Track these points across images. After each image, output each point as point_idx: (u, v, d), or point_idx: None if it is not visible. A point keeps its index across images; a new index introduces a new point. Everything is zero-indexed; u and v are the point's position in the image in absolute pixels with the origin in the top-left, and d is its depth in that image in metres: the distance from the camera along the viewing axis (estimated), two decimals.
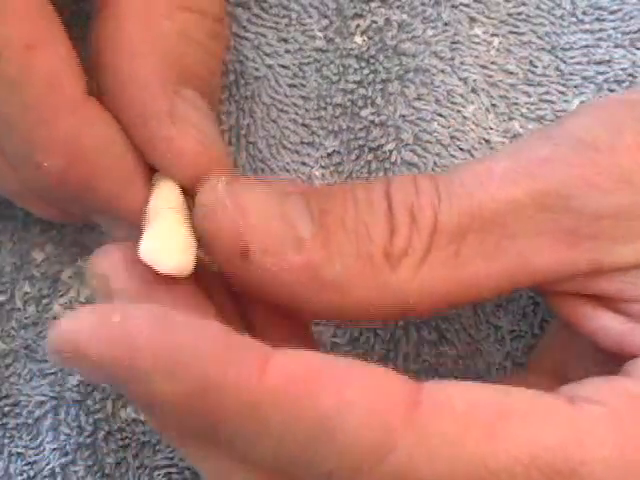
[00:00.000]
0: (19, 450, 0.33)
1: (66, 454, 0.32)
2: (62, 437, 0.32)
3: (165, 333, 0.22)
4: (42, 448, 0.32)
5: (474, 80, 0.36)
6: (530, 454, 0.23)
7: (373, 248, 0.26)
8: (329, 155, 0.35)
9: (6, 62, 0.25)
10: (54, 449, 0.32)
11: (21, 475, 0.32)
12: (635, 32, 0.37)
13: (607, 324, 0.27)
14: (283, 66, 0.36)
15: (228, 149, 0.30)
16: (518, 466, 0.23)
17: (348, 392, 0.23)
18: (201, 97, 0.28)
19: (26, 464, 0.32)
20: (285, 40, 0.37)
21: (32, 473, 0.32)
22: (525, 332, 0.34)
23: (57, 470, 0.32)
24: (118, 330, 0.22)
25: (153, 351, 0.22)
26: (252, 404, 0.22)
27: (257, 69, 0.36)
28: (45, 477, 0.32)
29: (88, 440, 0.32)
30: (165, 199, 0.26)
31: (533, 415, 0.24)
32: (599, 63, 0.37)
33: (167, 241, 0.25)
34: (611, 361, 0.27)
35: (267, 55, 0.36)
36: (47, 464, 0.32)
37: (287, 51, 0.36)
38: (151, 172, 0.27)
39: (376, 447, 0.23)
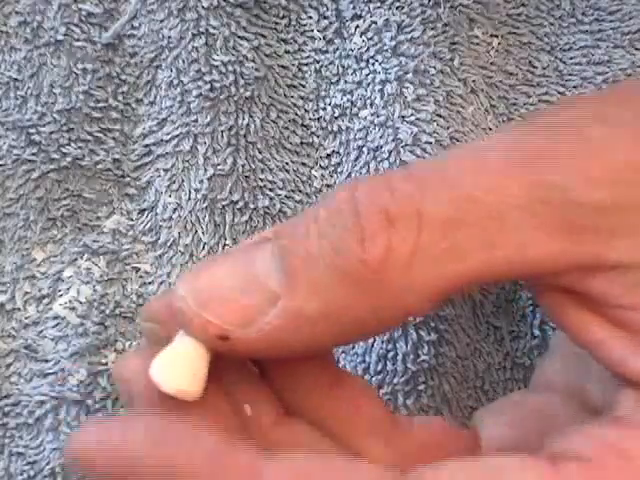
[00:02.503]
0: (19, 450, 0.33)
1: None
2: (62, 437, 0.32)
3: (160, 448, 0.24)
4: (42, 448, 0.32)
5: (473, 81, 0.36)
6: None
7: (346, 263, 0.25)
8: (328, 156, 0.35)
9: None
10: (54, 449, 0.32)
11: (21, 475, 0.32)
12: (634, 32, 0.37)
13: (596, 331, 0.26)
14: (282, 66, 0.36)
15: None
16: None
17: None
18: None
19: (26, 464, 0.32)
20: (284, 41, 0.37)
21: (32, 473, 0.32)
22: (525, 333, 0.34)
23: (57, 470, 0.32)
24: (118, 444, 0.24)
25: (148, 466, 0.24)
26: None
27: (257, 69, 0.36)
28: (45, 477, 0.32)
29: None
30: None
31: None
32: (598, 64, 0.37)
33: (176, 366, 0.26)
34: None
35: (267, 56, 0.36)
36: (47, 464, 0.32)
37: (286, 52, 0.37)
38: None
39: None
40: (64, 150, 0.35)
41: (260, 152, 0.35)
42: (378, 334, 0.31)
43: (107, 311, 0.33)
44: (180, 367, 0.26)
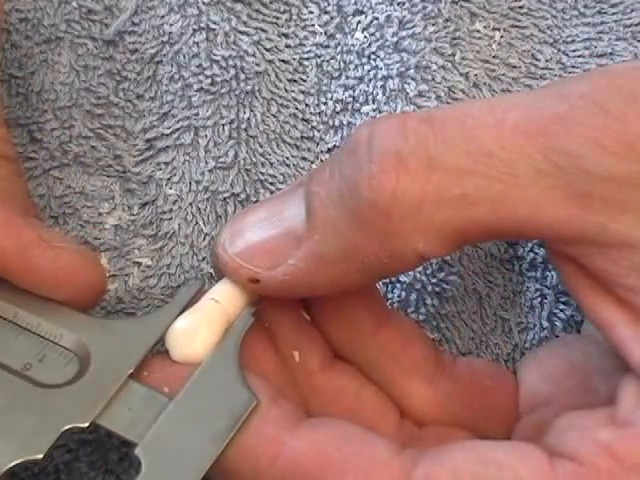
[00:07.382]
0: None
1: (70, 451, 0.32)
2: (66, 434, 0.32)
3: None
4: None
5: (475, 75, 0.36)
6: None
7: (356, 204, 0.26)
8: (329, 150, 0.35)
9: None
10: (58, 446, 0.32)
11: (25, 472, 0.32)
12: (636, 25, 0.37)
13: (605, 311, 0.26)
14: (283, 61, 0.36)
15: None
16: None
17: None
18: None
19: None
20: (285, 35, 0.37)
21: (36, 470, 0.32)
22: (533, 325, 0.34)
23: (61, 467, 0.32)
24: None
25: None
26: None
27: (257, 64, 0.36)
28: (49, 474, 0.32)
29: (91, 436, 0.32)
30: (215, 292, 0.29)
31: None
32: (601, 56, 0.37)
33: (187, 337, 0.28)
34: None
35: (267, 50, 0.36)
36: (51, 461, 0.32)
37: (287, 46, 0.37)
38: None
39: None
40: (66, 147, 0.35)
41: (261, 146, 0.35)
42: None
43: (109, 307, 0.33)
44: (190, 337, 0.28)
